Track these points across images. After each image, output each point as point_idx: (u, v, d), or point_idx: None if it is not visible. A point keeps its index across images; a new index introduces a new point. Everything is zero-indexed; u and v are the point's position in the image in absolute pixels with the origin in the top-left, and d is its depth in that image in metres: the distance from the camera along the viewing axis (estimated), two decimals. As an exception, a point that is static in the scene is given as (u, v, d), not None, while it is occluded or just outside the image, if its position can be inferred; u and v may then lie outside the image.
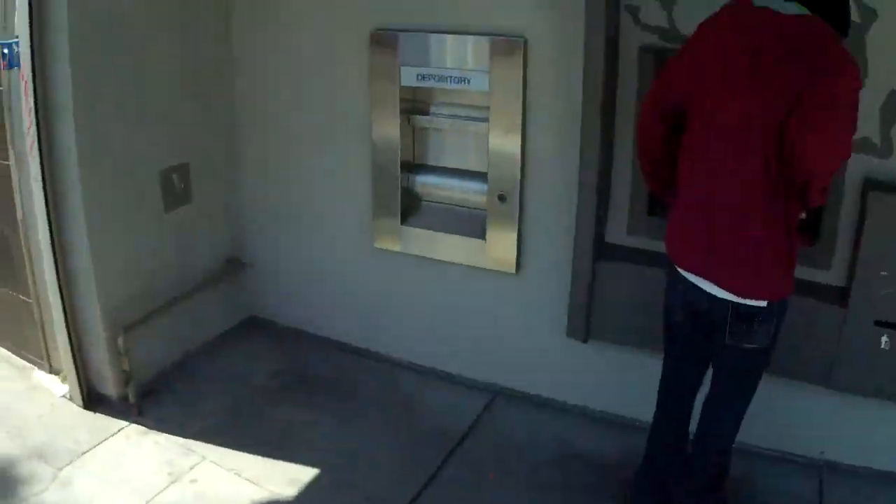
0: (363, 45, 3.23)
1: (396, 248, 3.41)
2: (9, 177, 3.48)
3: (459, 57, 3.05)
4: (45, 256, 3.30)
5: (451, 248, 3.27)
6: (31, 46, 3.11)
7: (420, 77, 3.14)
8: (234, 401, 3.45)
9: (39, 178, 3.20)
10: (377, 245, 3.47)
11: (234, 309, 4.03)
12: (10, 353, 3.82)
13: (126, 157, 3.31)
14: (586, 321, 2.99)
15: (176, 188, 3.55)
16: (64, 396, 3.44)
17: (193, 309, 3.70)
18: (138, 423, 3.27)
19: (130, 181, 3.36)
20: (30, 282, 3.54)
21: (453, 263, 3.30)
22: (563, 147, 2.92)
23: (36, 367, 3.68)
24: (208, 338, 3.87)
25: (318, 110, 3.53)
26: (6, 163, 3.49)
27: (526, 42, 2.91)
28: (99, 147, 3.20)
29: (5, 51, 3.30)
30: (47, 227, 3.24)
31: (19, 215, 3.49)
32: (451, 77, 3.08)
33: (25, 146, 3.26)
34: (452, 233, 3.25)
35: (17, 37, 3.17)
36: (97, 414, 3.34)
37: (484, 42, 2.97)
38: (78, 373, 3.35)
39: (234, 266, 3.93)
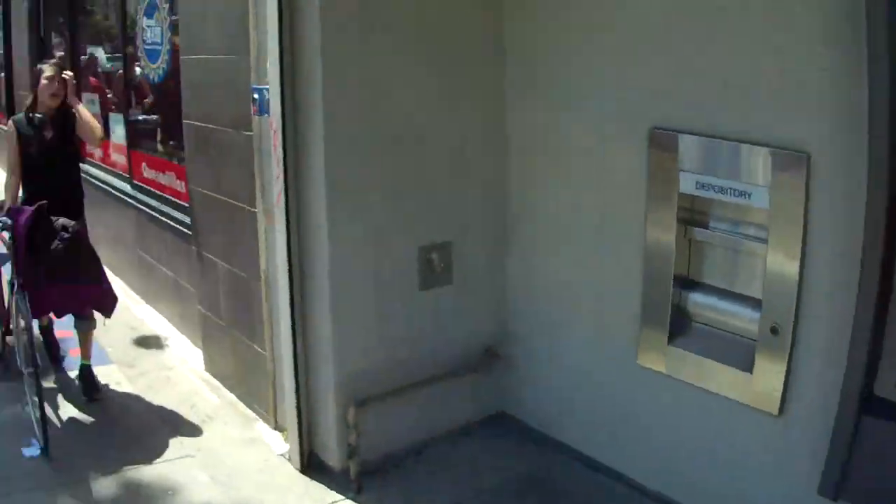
0: (641, 142, 2.98)
1: (661, 368, 3.08)
2: (255, 224, 3.51)
3: (740, 168, 2.71)
4: (282, 312, 3.25)
5: (714, 375, 2.93)
6: (282, 96, 3.05)
7: (699, 185, 2.88)
8: (462, 498, 3.17)
9: (284, 231, 3.15)
10: (640, 362, 3.17)
11: (483, 401, 3.69)
12: (237, 400, 3.85)
13: (381, 226, 3.19)
14: (841, 479, 2.64)
15: (435, 267, 3.38)
16: (282, 455, 3.38)
17: (438, 395, 3.47)
18: (355, 501, 3.10)
19: (384, 251, 3.22)
20: (266, 334, 3.54)
21: (713, 393, 2.95)
22: (843, 281, 2.54)
23: (260, 419, 3.67)
24: (449, 426, 3.58)
25: (589, 204, 3.27)
26: (254, 210, 3.50)
27: (809, 158, 2.54)
28: (351, 211, 3.10)
29: (255, 96, 3.29)
30: (288, 283, 3.18)
31: (262, 265, 3.49)
32: (731, 189, 2.81)
33: (273, 197, 3.24)
34: (718, 360, 2.92)
35: (268, 84, 3.16)
36: (313, 481, 3.23)
37: (766, 154, 2.67)
38: (301, 435, 3.27)
39: (488, 357, 3.68)
